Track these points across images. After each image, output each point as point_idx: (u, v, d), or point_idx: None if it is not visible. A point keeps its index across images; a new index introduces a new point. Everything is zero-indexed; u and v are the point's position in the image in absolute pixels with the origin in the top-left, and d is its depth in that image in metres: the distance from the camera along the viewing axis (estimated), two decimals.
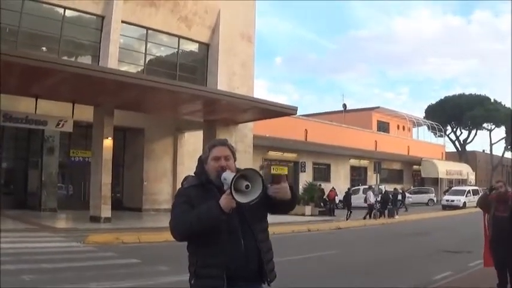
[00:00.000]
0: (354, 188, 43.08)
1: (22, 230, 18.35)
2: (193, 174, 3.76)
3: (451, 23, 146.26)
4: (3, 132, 26.02)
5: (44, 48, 24.99)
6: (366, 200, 32.46)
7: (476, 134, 77.22)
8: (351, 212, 31.56)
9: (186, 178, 3.81)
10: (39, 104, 21.82)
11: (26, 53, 19.00)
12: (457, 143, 77.55)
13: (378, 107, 62.80)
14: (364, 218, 31.25)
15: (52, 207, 26.14)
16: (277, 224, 20.00)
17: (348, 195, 33.44)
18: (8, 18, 22.82)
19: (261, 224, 3.60)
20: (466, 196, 45.51)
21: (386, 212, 32.66)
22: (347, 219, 30.04)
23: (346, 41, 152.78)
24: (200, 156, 3.74)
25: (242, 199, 3.20)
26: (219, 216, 3.27)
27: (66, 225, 21.76)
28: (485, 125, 74.92)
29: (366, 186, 42.29)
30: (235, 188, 3.18)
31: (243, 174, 3.23)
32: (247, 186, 3.21)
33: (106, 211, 22.15)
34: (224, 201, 3.25)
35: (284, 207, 3.58)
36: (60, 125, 22.86)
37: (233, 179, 3.17)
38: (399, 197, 38.01)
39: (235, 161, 3.65)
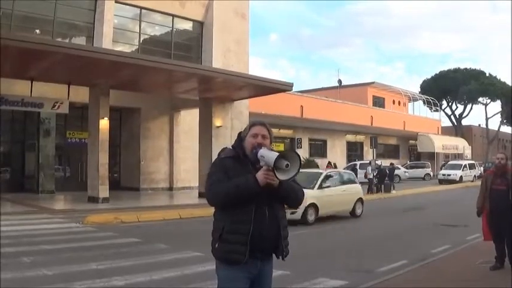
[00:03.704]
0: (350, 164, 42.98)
1: (21, 212, 18.39)
2: (231, 147, 4.08)
3: None
4: None
5: (37, 31, 24.79)
6: (365, 175, 32.56)
7: (471, 108, 77.03)
8: None
9: (223, 149, 4.12)
10: (35, 86, 21.75)
11: (20, 36, 18.87)
12: (452, 117, 77.44)
13: (373, 82, 62.55)
14: (368, 192, 31.47)
15: (50, 189, 26.17)
16: None
17: (355, 171, 33.03)
18: (1, 1, 22.63)
19: (281, 203, 3.97)
20: (463, 170, 45.67)
21: (382, 186, 32.77)
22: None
23: (341, 16, 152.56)
24: (240, 132, 4.13)
25: (282, 176, 3.58)
26: (255, 189, 3.66)
27: (65, 207, 21.76)
28: (480, 99, 74.68)
29: (363, 162, 42.34)
30: (276, 166, 3.54)
31: (283, 155, 3.58)
32: (287, 166, 3.58)
33: (104, 191, 22.19)
34: (262, 176, 3.65)
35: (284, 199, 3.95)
36: (56, 107, 22.83)
37: (276, 159, 3.52)
38: (396, 171, 38.03)
39: (271, 142, 4.02)
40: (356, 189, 19.90)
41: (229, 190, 3.68)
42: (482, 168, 46.66)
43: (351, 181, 20.42)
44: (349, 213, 19.24)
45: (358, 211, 19.47)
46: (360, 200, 19.80)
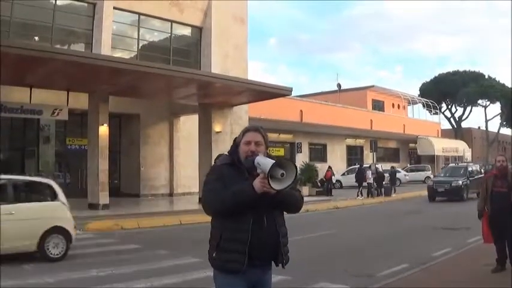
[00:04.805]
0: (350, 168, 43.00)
1: None
2: (227, 153, 4.00)
3: None
4: None
5: (36, 38, 24.80)
6: (365, 179, 32.53)
7: (471, 110, 77.05)
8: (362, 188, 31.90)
9: (219, 156, 4.07)
10: (34, 93, 21.76)
11: (19, 43, 18.88)
12: (452, 120, 77.46)
13: (373, 86, 62.52)
14: (368, 195, 31.47)
15: None
16: None
17: (360, 172, 33.09)
18: (0, 8, 22.64)
19: (280, 210, 3.89)
20: None
21: (382, 190, 32.76)
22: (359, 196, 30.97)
23: (340, 20, 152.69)
24: (235, 138, 4.01)
25: (277, 186, 3.46)
26: (251, 197, 3.55)
27: None
28: (480, 101, 74.63)
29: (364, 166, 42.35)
30: (271, 174, 3.44)
31: (278, 163, 3.47)
32: (282, 175, 3.47)
33: (104, 198, 22.16)
34: (258, 184, 3.53)
35: (282, 205, 3.85)
36: (55, 114, 22.83)
37: (271, 167, 3.42)
38: (396, 175, 38.00)
39: (267, 147, 3.92)
40: (50, 211, 10.94)
41: (225, 198, 3.59)
42: None
43: (40, 197, 11.45)
44: (37, 251, 10.52)
45: (54, 250, 10.60)
46: (59, 230, 10.71)
